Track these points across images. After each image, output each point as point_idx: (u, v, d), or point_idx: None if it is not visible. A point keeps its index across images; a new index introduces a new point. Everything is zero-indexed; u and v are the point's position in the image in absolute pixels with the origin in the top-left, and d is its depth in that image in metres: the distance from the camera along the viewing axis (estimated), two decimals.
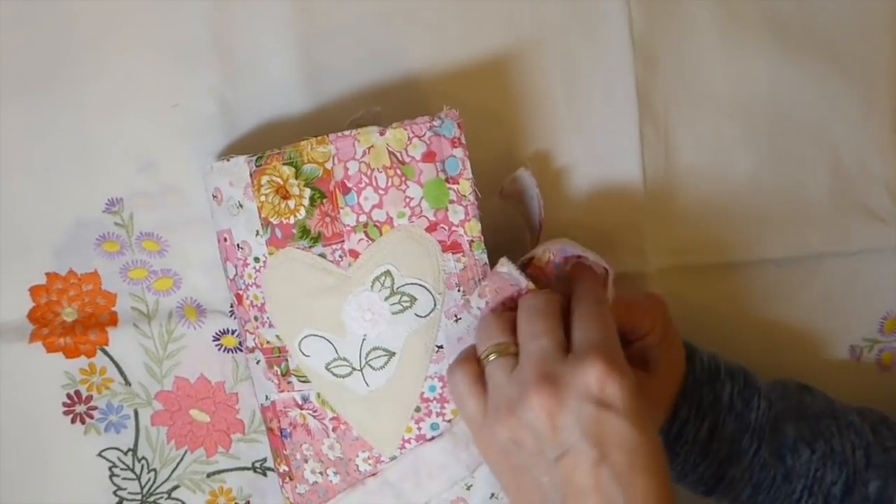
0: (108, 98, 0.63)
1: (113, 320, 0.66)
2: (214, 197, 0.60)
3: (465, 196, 0.56)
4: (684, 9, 0.65)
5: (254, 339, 0.61)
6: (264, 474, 0.68)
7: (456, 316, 0.57)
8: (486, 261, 0.57)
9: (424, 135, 0.56)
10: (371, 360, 0.58)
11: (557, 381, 0.48)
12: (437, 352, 0.58)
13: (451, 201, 0.56)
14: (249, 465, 0.68)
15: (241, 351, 0.65)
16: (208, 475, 0.68)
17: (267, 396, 0.62)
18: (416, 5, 0.64)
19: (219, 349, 0.66)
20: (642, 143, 0.65)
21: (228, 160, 0.58)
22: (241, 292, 0.60)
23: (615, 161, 0.66)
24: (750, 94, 0.66)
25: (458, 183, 0.56)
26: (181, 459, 0.68)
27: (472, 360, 0.54)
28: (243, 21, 0.63)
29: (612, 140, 0.66)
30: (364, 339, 0.57)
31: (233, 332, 0.66)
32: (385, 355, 0.57)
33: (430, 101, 0.63)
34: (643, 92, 0.65)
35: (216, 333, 0.66)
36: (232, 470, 0.68)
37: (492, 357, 0.52)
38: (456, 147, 0.56)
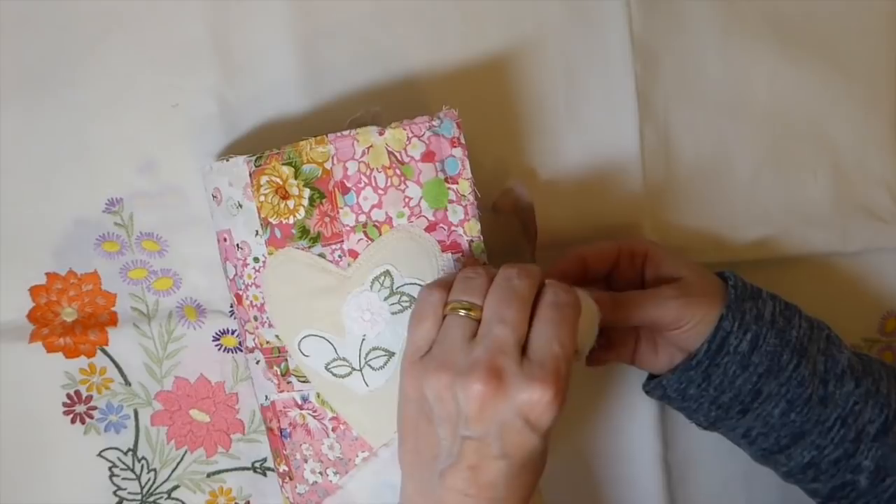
0: (108, 98, 0.63)
1: (113, 320, 0.66)
2: (214, 197, 0.60)
3: (464, 196, 0.56)
4: (684, 9, 0.65)
5: (253, 339, 0.61)
6: (264, 474, 0.68)
7: None
8: (486, 261, 0.57)
9: (423, 135, 0.56)
10: (370, 360, 0.58)
11: (503, 383, 0.48)
12: None
13: (451, 201, 0.56)
14: (249, 465, 0.68)
15: (241, 351, 0.65)
16: (208, 475, 0.68)
17: (266, 396, 0.62)
18: (417, 5, 0.64)
19: (219, 349, 0.66)
20: (642, 143, 0.65)
21: (227, 160, 0.58)
22: (240, 292, 0.60)
23: (615, 161, 0.66)
24: (750, 94, 0.66)
25: (457, 183, 0.56)
26: (181, 459, 0.68)
27: (447, 289, 0.53)
28: (243, 21, 0.63)
29: (612, 140, 0.66)
30: (363, 340, 0.57)
31: (233, 332, 0.66)
32: (384, 355, 0.57)
33: (430, 102, 0.63)
34: (643, 92, 0.65)
35: (216, 333, 0.66)
36: (232, 470, 0.68)
37: (460, 312, 0.51)
38: (455, 147, 0.56)
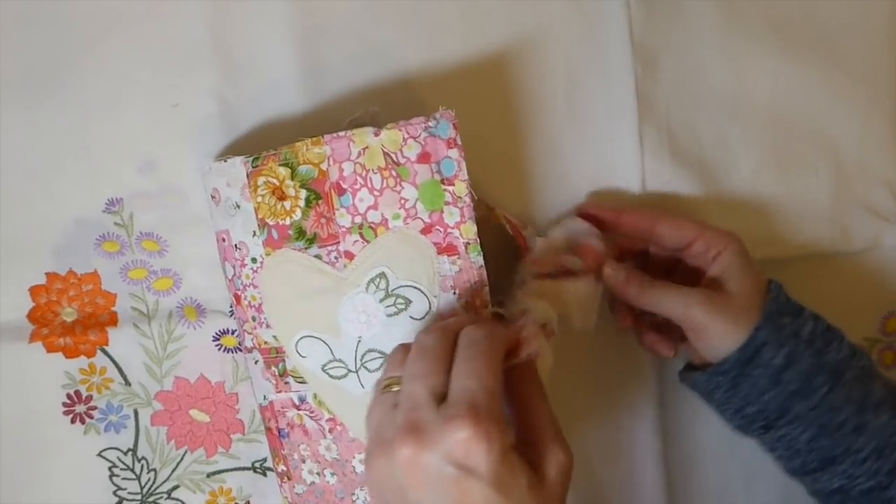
0: (108, 98, 0.63)
1: (113, 320, 0.66)
2: (213, 197, 0.60)
3: (460, 198, 0.56)
4: (684, 9, 0.65)
5: (252, 340, 0.61)
6: (264, 474, 0.68)
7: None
8: (482, 263, 0.56)
9: (419, 136, 0.55)
10: (366, 362, 0.58)
11: (423, 436, 0.46)
12: None
13: (447, 203, 0.56)
14: (249, 465, 0.68)
15: (241, 351, 0.65)
16: (208, 475, 0.68)
17: (265, 396, 0.62)
18: (417, 5, 0.64)
19: (219, 349, 0.66)
20: (642, 143, 0.65)
21: (225, 161, 0.58)
22: (239, 292, 0.60)
23: (615, 161, 0.66)
24: (750, 94, 0.66)
25: (453, 184, 0.56)
26: (181, 459, 0.68)
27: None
28: (243, 21, 0.63)
29: (612, 140, 0.65)
30: (359, 341, 0.57)
31: (233, 332, 0.66)
32: (380, 357, 0.57)
33: (430, 102, 0.63)
34: (643, 92, 0.65)
35: (216, 333, 0.66)
36: (232, 470, 0.68)
37: (382, 390, 0.51)
38: (451, 148, 0.55)
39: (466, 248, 0.56)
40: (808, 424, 0.59)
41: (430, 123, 0.55)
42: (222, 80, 0.63)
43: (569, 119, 0.65)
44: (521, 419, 0.52)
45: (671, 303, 0.60)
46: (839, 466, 0.59)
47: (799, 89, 0.67)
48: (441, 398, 0.47)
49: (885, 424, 0.59)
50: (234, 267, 0.60)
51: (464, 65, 0.64)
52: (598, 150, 0.65)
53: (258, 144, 0.61)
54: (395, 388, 0.50)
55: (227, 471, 0.68)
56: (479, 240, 0.56)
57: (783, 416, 0.59)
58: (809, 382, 0.58)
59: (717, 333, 0.59)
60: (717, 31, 0.65)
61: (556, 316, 0.59)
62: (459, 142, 0.55)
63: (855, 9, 0.66)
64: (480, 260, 0.56)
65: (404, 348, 0.52)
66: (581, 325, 0.61)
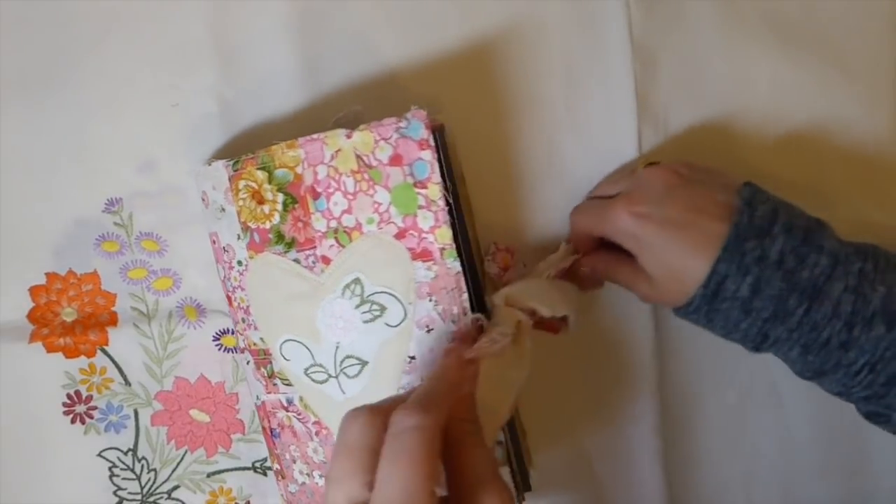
0: (107, 98, 0.63)
1: (113, 320, 0.66)
2: (203, 200, 0.60)
3: (434, 201, 0.53)
4: (684, 9, 0.65)
5: (243, 340, 0.61)
6: (264, 474, 0.68)
7: (428, 327, 0.55)
8: (459, 269, 0.54)
9: (391, 137, 0.53)
10: (345, 367, 0.57)
11: None
12: (409, 362, 0.56)
13: (420, 207, 0.53)
14: (249, 465, 0.68)
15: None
16: (208, 475, 0.68)
17: (258, 396, 0.62)
18: (416, 5, 0.63)
19: (219, 349, 0.66)
20: (642, 143, 0.65)
21: (210, 164, 0.58)
22: (230, 294, 0.60)
23: (615, 161, 0.66)
24: (750, 93, 0.66)
25: (426, 187, 0.53)
26: (181, 459, 0.68)
27: None
28: (242, 21, 0.63)
29: (611, 140, 0.65)
30: (338, 347, 0.56)
31: (232, 332, 0.66)
32: (358, 364, 0.56)
33: (430, 101, 0.63)
34: (643, 92, 0.65)
35: (216, 333, 0.66)
36: (232, 470, 0.68)
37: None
38: (424, 149, 0.53)
39: (442, 254, 0.54)
40: (792, 343, 0.56)
41: (402, 124, 0.53)
42: (222, 80, 0.63)
43: (568, 119, 0.65)
44: (454, 462, 0.46)
45: (620, 278, 0.60)
46: (833, 376, 0.57)
47: (799, 89, 0.67)
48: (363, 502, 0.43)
49: (879, 338, 0.55)
50: (223, 269, 0.60)
51: (463, 64, 0.64)
52: (597, 150, 0.65)
53: (258, 144, 0.61)
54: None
55: (227, 471, 0.68)
56: (455, 244, 0.54)
57: (765, 341, 0.57)
58: (783, 306, 0.55)
59: (671, 293, 0.57)
60: (717, 31, 0.65)
61: (529, 320, 0.56)
62: (433, 143, 0.53)
63: (855, 9, 0.66)
64: (457, 266, 0.54)
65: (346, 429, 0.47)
66: (559, 312, 0.60)
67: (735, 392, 0.70)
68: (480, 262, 0.61)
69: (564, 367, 0.67)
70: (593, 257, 0.62)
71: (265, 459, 0.68)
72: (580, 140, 0.65)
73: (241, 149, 0.61)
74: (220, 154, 0.63)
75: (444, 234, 0.54)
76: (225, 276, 0.60)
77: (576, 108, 0.65)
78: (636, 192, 0.57)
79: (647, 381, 0.69)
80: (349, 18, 0.63)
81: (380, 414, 0.45)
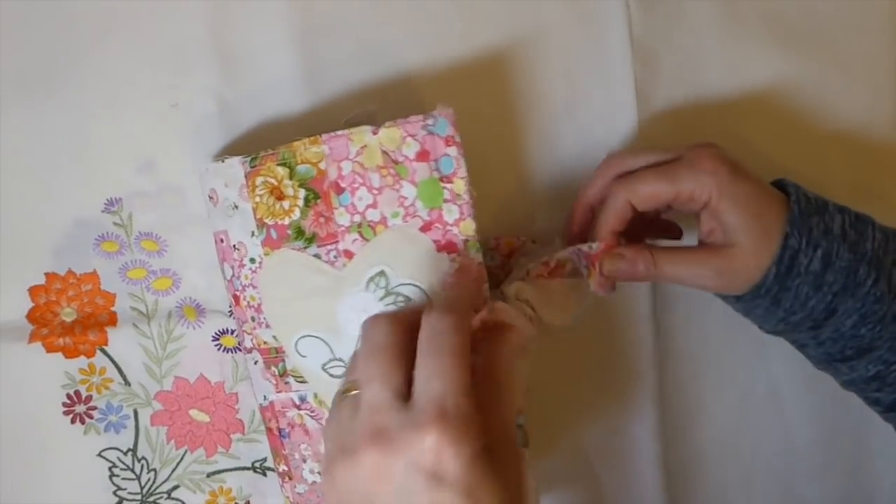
0: (107, 98, 0.63)
1: (112, 320, 0.66)
2: (210, 198, 0.60)
3: (459, 195, 0.55)
4: (684, 9, 0.65)
5: (251, 340, 0.61)
6: (264, 474, 0.68)
7: None
8: (481, 260, 0.56)
9: (418, 134, 0.55)
10: None
11: (388, 441, 0.44)
12: None
13: (446, 200, 0.56)
14: (249, 465, 0.68)
15: (241, 351, 0.65)
16: (208, 475, 0.68)
17: (265, 397, 0.62)
18: (416, 4, 0.64)
19: (218, 349, 0.66)
20: (642, 143, 0.65)
21: (223, 161, 0.58)
22: (238, 293, 0.60)
23: None
24: (750, 94, 0.66)
25: (452, 182, 0.55)
26: (181, 459, 0.68)
27: None
28: (242, 21, 0.63)
29: (611, 140, 0.65)
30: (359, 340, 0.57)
31: (232, 332, 0.66)
32: None
33: (429, 101, 0.63)
34: (643, 92, 0.65)
35: (216, 333, 0.66)
36: (232, 470, 0.68)
37: (341, 396, 0.48)
38: (450, 146, 0.55)
39: (466, 245, 0.56)
40: (852, 313, 0.56)
41: (429, 121, 0.55)
42: (222, 80, 0.63)
43: (568, 119, 0.65)
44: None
45: (679, 271, 0.58)
46: (876, 353, 0.57)
47: (799, 89, 0.67)
48: (405, 397, 0.45)
49: None
50: (232, 267, 0.60)
51: (463, 64, 0.64)
52: (598, 150, 0.65)
53: (258, 144, 0.61)
54: (354, 392, 0.47)
55: (226, 471, 0.68)
56: (478, 236, 0.56)
57: (831, 317, 0.57)
58: (853, 277, 0.55)
59: (740, 278, 0.56)
60: (717, 31, 0.65)
61: (536, 314, 0.58)
62: (458, 139, 0.55)
63: (855, 9, 0.66)
64: (479, 257, 0.56)
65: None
66: (557, 321, 0.60)
67: (735, 392, 0.70)
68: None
69: (564, 367, 0.67)
70: (638, 248, 0.59)
71: (265, 459, 0.68)
72: (580, 140, 0.65)
73: (242, 149, 0.61)
74: (220, 154, 0.63)
75: (468, 227, 0.56)
76: (233, 275, 0.60)
77: (576, 108, 0.65)
78: (706, 152, 0.57)
79: (648, 381, 0.69)
80: (349, 19, 0.63)
81: (402, 320, 0.49)
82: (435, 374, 0.45)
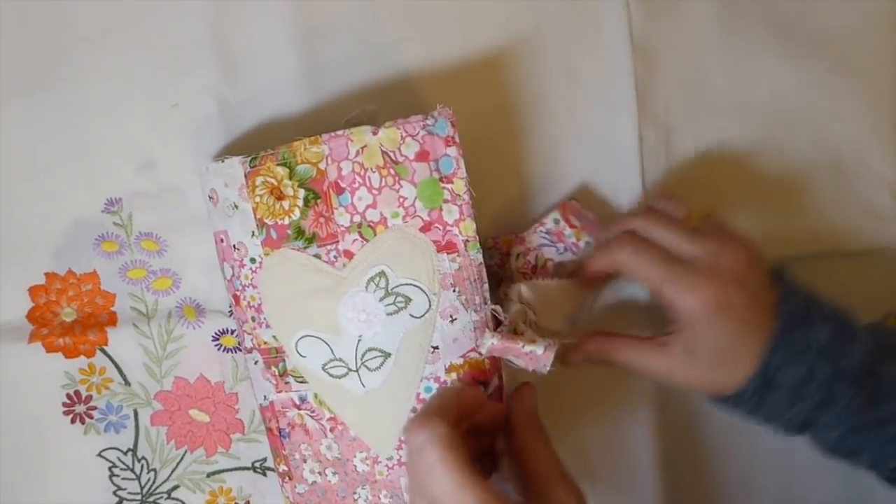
0: (107, 98, 0.63)
1: (112, 320, 0.66)
2: (210, 198, 0.60)
3: (459, 195, 0.56)
4: (684, 9, 0.65)
5: (251, 340, 0.61)
6: (264, 474, 0.68)
7: (451, 316, 0.57)
8: (482, 260, 0.57)
9: (418, 134, 0.55)
10: (367, 360, 0.58)
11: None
12: (432, 352, 0.57)
13: (446, 201, 0.56)
14: (249, 465, 0.68)
15: (241, 351, 0.65)
16: (208, 475, 0.68)
17: (265, 397, 0.62)
18: (416, 5, 0.64)
19: (218, 349, 0.66)
20: (642, 143, 0.65)
21: (223, 161, 0.58)
22: (238, 293, 0.60)
23: (615, 161, 0.66)
24: (750, 94, 0.66)
25: (452, 182, 0.56)
26: (181, 459, 0.68)
27: None
28: (242, 21, 0.63)
29: (611, 140, 0.65)
30: (359, 340, 0.57)
31: (232, 332, 0.66)
32: (380, 356, 0.57)
33: (429, 101, 0.63)
34: (643, 92, 0.65)
35: (215, 333, 0.66)
36: (232, 470, 0.68)
37: None
38: (450, 146, 0.55)
39: (466, 246, 0.56)
40: (834, 425, 0.57)
41: (429, 122, 0.55)
42: (222, 80, 0.64)
43: (568, 119, 0.65)
44: (524, 467, 0.54)
45: (639, 360, 0.59)
46: (863, 456, 0.58)
47: (799, 89, 0.67)
48: None
49: None
50: (232, 267, 0.60)
51: (463, 65, 0.64)
52: (597, 151, 0.65)
53: (257, 144, 0.61)
54: None
55: (226, 471, 0.68)
56: (478, 237, 0.56)
57: (808, 427, 0.58)
58: (830, 392, 0.56)
59: (718, 378, 0.57)
60: (717, 31, 0.65)
61: (535, 315, 0.59)
62: (458, 140, 0.55)
63: (855, 9, 0.66)
64: (480, 257, 0.57)
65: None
66: (554, 325, 0.60)
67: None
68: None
69: (564, 367, 0.67)
70: (611, 339, 0.61)
71: (265, 459, 0.68)
72: (580, 140, 0.65)
73: (242, 149, 0.61)
74: (220, 154, 0.63)
75: (468, 227, 0.56)
76: (234, 275, 0.60)
77: (576, 108, 0.65)
78: (718, 268, 0.57)
79: (648, 380, 0.69)
80: (350, 19, 0.63)
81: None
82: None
